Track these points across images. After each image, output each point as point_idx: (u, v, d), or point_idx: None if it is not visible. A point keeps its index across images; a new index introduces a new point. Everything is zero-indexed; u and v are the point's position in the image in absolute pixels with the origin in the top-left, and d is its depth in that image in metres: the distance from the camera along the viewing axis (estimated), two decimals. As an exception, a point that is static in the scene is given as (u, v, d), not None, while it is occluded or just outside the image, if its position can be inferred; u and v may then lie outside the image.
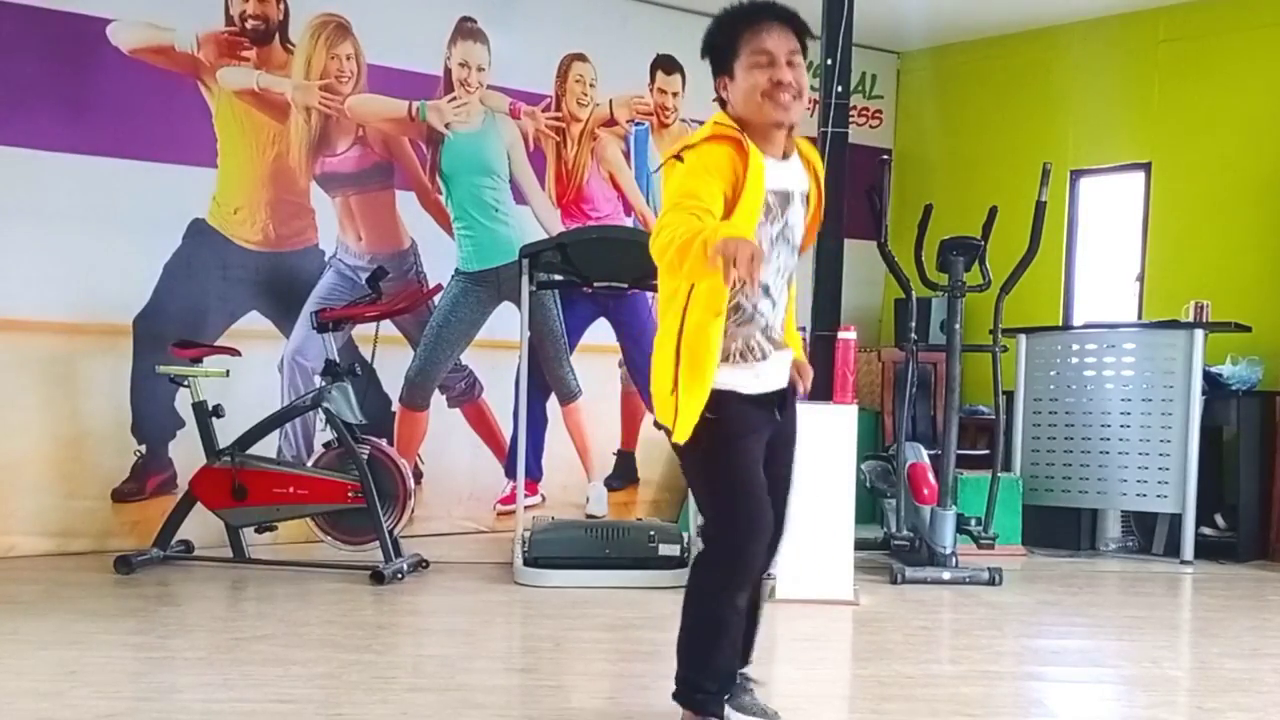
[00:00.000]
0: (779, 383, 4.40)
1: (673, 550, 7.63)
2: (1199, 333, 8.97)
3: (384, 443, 8.26)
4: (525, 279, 8.02)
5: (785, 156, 4.25)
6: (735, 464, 4.23)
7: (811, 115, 9.17)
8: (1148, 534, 9.53)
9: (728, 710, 4.43)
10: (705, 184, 4.00)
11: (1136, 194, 10.50)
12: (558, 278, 8.45)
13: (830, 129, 7.80)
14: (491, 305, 9.70)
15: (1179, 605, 7.83)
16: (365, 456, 7.75)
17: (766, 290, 4.26)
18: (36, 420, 8.09)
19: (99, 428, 8.29)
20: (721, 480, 4.28)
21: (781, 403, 4.44)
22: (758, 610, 4.58)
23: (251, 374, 8.47)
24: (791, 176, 4.26)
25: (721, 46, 4.25)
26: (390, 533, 7.71)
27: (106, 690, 5.05)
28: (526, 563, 7.64)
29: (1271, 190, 9.40)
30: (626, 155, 10.46)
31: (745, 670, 4.61)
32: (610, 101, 10.37)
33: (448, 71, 9.57)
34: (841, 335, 7.50)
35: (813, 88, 10.44)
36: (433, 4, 9.51)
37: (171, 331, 8.19)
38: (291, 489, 7.81)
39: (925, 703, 5.16)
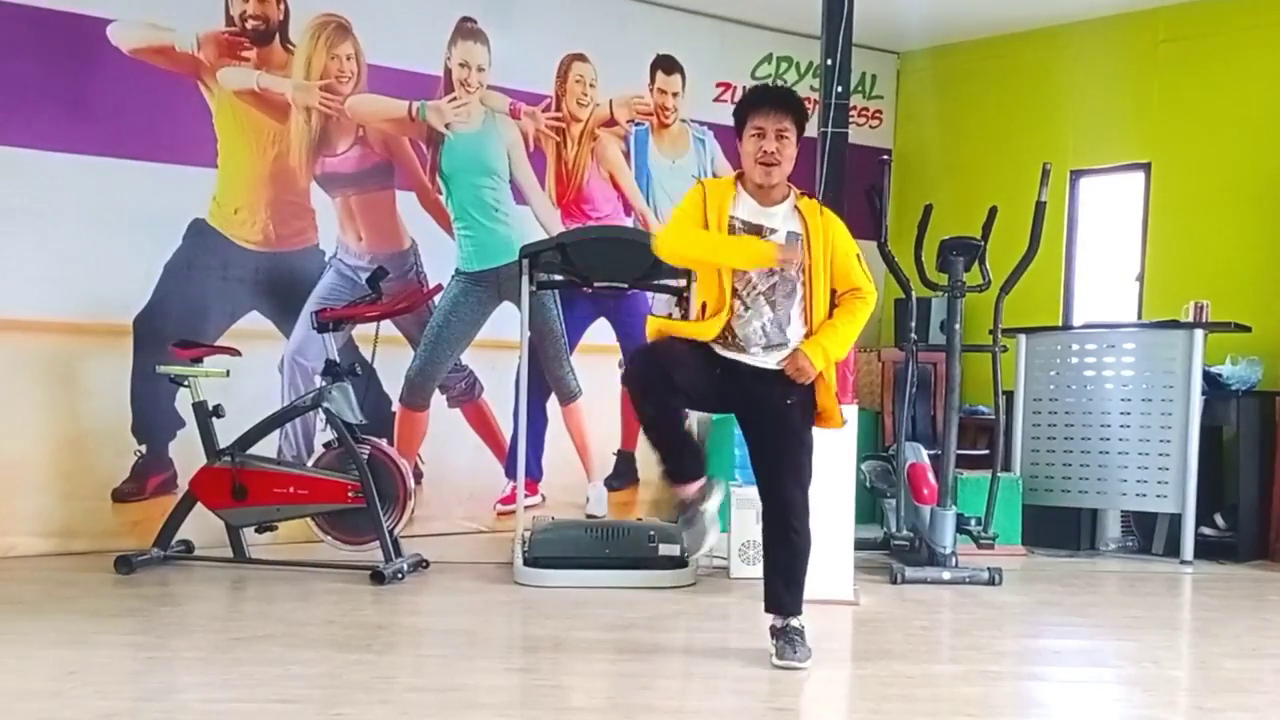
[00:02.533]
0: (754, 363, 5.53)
1: (673, 550, 7.63)
2: (1199, 333, 8.97)
3: (384, 443, 8.27)
4: (525, 279, 8.01)
5: (770, 204, 5.54)
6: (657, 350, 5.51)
7: (811, 115, 9.17)
8: (1148, 534, 9.53)
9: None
10: (683, 218, 5.58)
11: (1136, 194, 10.50)
12: (558, 278, 8.44)
13: (830, 129, 7.78)
14: (491, 305, 9.70)
15: (1179, 605, 7.83)
16: (365, 456, 7.75)
17: (736, 292, 5.47)
18: (37, 420, 8.09)
19: (99, 428, 8.29)
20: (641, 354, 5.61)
21: (760, 381, 5.54)
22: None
23: (252, 374, 8.46)
24: (770, 217, 5.52)
25: (737, 118, 5.58)
26: (390, 533, 7.71)
27: (107, 690, 5.05)
28: (527, 563, 7.64)
29: (1271, 190, 9.40)
30: (626, 155, 10.46)
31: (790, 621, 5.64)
32: (610, 102, 10.37)
33: (448, 72, 9.58)
34: (841, 335, 7.49)
35: (812, 88, 10.47)
36: (433, 4, 9.51)
37: (172, 331, 8.19)
38: (292, 489, 7.81)
39: (925, 703, 5.15)
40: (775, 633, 5.59)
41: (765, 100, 5.56)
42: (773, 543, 5.65)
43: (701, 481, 5.54)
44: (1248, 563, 9.03)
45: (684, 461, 5.58)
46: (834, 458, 7.16)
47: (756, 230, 5.47)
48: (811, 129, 8.02)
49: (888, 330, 11.52)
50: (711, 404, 5.96)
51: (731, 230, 5.48)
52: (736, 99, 10.63)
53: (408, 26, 9.37)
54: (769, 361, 5.53)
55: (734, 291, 5.46)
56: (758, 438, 5.67)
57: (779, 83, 11.05)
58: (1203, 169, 10.01)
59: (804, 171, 7.74)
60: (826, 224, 5.54)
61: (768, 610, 5.65)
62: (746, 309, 5.48)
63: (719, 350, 5.52)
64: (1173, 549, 9.14)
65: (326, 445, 8.18)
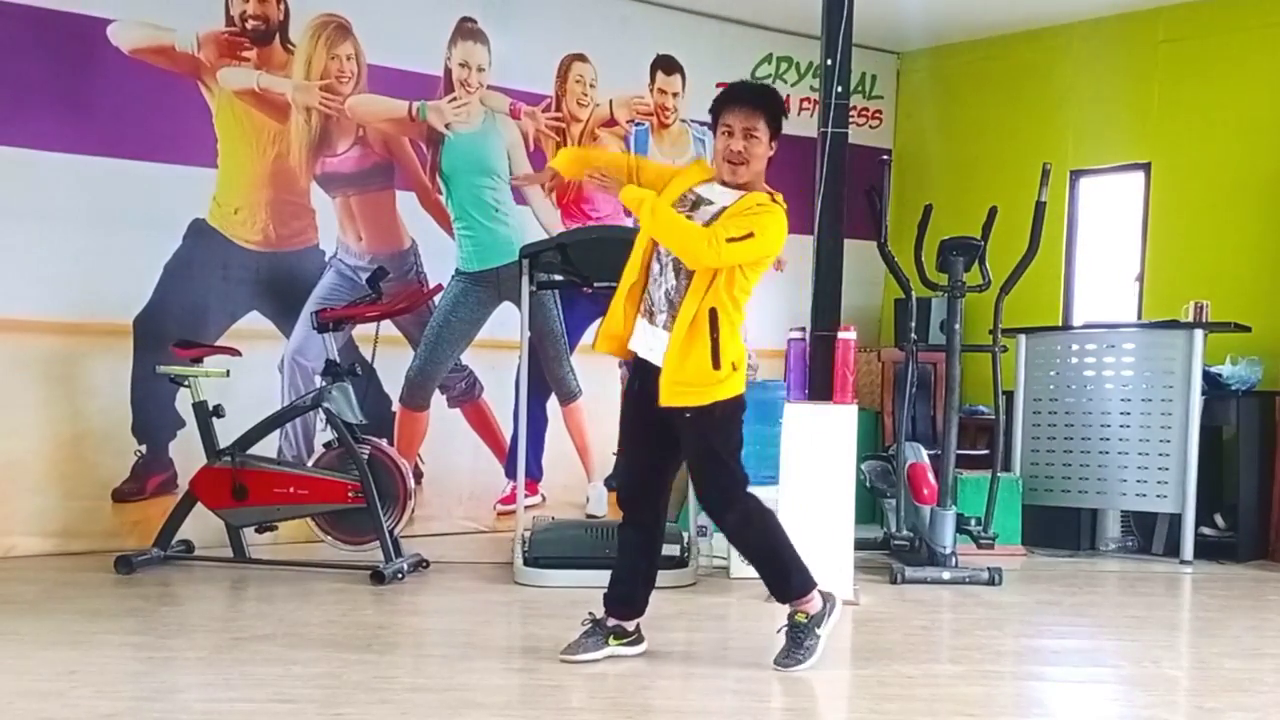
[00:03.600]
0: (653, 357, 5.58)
1: (673, 550, 7.61)
2: (1198, 333, 8.96)
3: (384, 443, 8.27)
4: (525, 279, 8.00)
5: (725, 184, 5.50)
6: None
7: (811, 115, 9.18)
8: (1147, 534, 9.53)
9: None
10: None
11: (1136, 194, 10.50)
12: (558, 278, 8.43)
13: (830, 129, 7.78)
14: (492, 305, 9.70)
15: (1179, 605, 7.83)
16: (365, 456, 7.75)
17: (657, 254, 5.55)
18: (37, 420, 8.09)
19: (99, 428, 8.29)
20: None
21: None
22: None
23: (252, 374, 8.47)
24: (716, 195, 5.50)
25: (712, 114, 5.57)
26: (390, 532, 7.71)
27: (107, 690, 5.05)
28: (527, 562, 7.64)
29: (1271, 190, 9.40)
30: (626, 155, 10.46)
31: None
32: (610, 102, 10.38)
33: (448, 72, 9.57)
34: (841, 335, 7.50)
35: (812, 88, 10.47)
36: (433, 4, 9.50)
37: (172, 331, 8.19)
38: (292, 489, 7.81)
39: (925, 702, 5.16)
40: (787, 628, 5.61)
41: (736, 98, 5.51)
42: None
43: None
44: (1247, 563, 9.03)
45: (622, 589, 5.79)
46: (834, 457, 7.17)
47: (697, 200, 5.50)
48: (811, 129, 8.05)
49: (888, 330, 11.53)
50: (648, 450, 5.76)
51: (683, 199, 5.51)
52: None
53: (408, 26, 9.36)
54: (656, 349, 5.48)
55: (656, 254, 5.52)
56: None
57: (778, 83, 11.06)
58: (1203, 169, 10.00)
59: (804, 171, 7.76)
60: (754, 208, 5.40)
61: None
62: (661, 271, 5.51)
63: (637, 348, 5.58)
64: (1172, 549, 9.14)
65: (327, 445, 8.19)
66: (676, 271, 5.44)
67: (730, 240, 5.24)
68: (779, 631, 5.56)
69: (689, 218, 5.42)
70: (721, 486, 5.58)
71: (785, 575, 5.59)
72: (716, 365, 5.37)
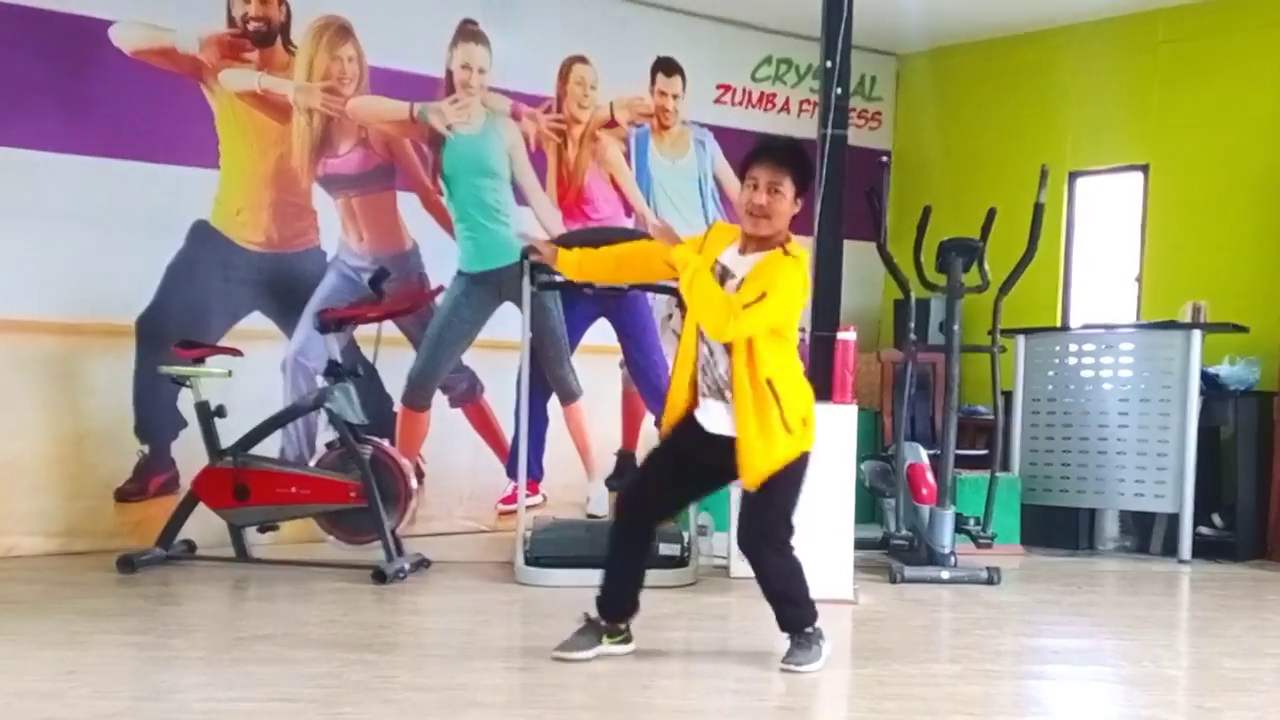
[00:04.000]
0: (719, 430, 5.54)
1: (673, 550, 7.61)
2: (1196, 333, 8.95)
3: (386, 443, 8.26)
4: (526, 280, 7.99)
5: (751, 253, 5.44)
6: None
7: (811, 117, 9.16)
8: (1145, 533, 9.52)
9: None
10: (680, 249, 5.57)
11: (1135, 195, 10.49)
12: (559, 278, 8.41)
13: (830, 130, 7.77)
14: (492, 306, 9.68)
15: (1177, 604, 7.82)
16: (367, 456, 7.73)
17: (702, 336, 5.49)
18: (38, 420, 8.07)
19: (101, 428, 8.27)
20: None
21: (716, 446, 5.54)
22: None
23: (254, 374, 8.44)
24: (740, 265, 5.44)
25: (741, 165, 5.52)
26: (392, 532, 7.69)
27: (107, 690, 5.03)
28: (528, 562, 7.62)
29: (1269, 192, 9.39)
30: (627, 157, 10.45)
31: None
32: (611, 104, 10.36)
33: (449, 74, 9.56)
34: (841, 336, 7.50)
35: (812, 89, 10.46)
36: (434, 6, 9.49)
37: (174, 332, 8.17)
38: (294, 489, 7.79)
39: (924, 701, 5.14)
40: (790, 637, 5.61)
41: (764, 153, 5.45)
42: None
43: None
44: (1245, 562, 9.02)
45: (613, 592, 5.73)
46: (833, 457, 7.16)
47: (725, 274, 5.43)
48: (811, 130, 8.05)
49: (887, 331, 11.52)
50: (673, 483, 5.82)
51: (714, 272, 5.43)
52: (736, 100, 10.74)
53: (409, 28, 9.35)
54: (724, 423, 5.47)
55: (700, 335, 5.48)
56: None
57: (778, 85, 11.06)
58: (1201, 170, 9.99)
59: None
60: (766, 265, 5.38)
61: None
62: (711, 353, 5.47)
63: (707, 423, 5.54)
64: (1170, 548, 9.14)
65: (328, 445, 8.19)
66: (727, 350, 5.41)
67: (746, 306, 5.22)
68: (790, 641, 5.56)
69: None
70: (771, 529, 5.56)
71: (798, 608, 5.59)
72: (788, 430, 5.38)
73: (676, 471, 5.68)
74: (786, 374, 5.40)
